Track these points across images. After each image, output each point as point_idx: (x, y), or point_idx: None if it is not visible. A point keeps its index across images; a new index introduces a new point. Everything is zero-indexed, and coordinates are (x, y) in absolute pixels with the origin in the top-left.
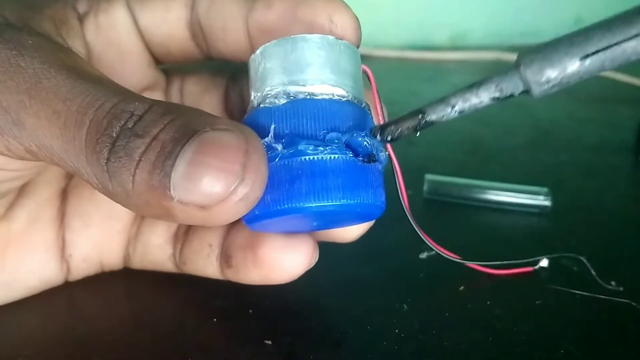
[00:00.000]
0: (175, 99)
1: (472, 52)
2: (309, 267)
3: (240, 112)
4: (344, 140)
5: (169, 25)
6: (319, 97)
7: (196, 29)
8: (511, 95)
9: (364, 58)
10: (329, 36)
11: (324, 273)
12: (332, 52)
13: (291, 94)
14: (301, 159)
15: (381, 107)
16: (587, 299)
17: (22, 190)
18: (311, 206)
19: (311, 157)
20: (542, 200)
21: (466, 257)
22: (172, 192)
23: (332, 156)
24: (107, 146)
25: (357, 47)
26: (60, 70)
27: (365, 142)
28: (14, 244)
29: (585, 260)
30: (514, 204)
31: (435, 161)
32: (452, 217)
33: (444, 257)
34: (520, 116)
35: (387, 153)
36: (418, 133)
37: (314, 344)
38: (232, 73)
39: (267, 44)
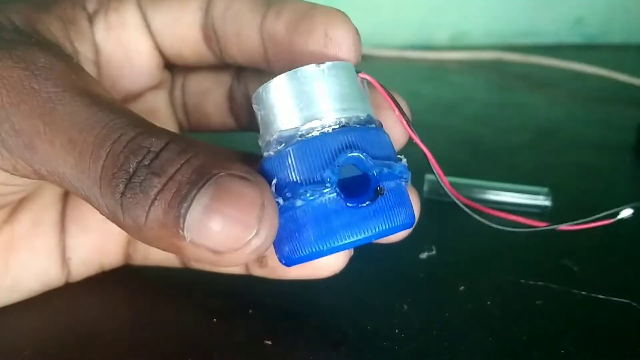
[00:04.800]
0: (178, 98)
1: (472, 51)
2: (347, 262)
3: (247, 113)
4: (338, 177)
5: (183, 28)
6: (309, 135)
7: (210, 33)
8: None
9: (365, 58)
10: (310, 66)
11: None
12: (315, 82)
13: (282, 140)
14: (303, 208)
15: (396, 103)
16: (587, 299)
17: None
18: (324, 249)
19: (311, 203)
20: (542, 200)
21: (465, 256)
22: (185, 232)
23: (332, 196)
24: (123, 181)
25: (355, 63)
26: (75, 96)
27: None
28: (17, 248)
29: None
30: (514, 204)
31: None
32: (452, 217)
33: (445, 256)
34: (520, 116)
35: (403, 167)
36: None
37: (314, 344)
38: (236, 71)
39: (257, 89)
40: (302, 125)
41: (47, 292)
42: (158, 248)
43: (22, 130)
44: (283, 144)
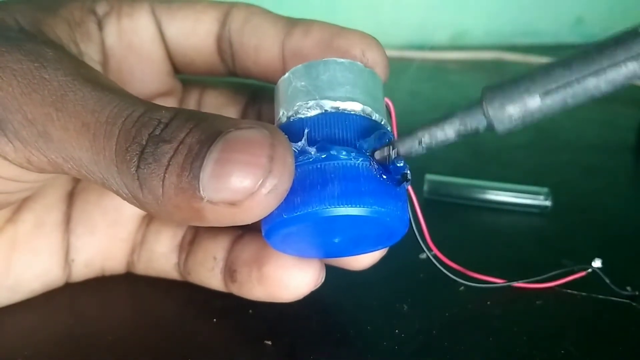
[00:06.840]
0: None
1: (472, 51)
2: (315, 288)
3: None
4: (371, 150)
5: (198, 38)
6: (350, 112)
7: (225, 45)
8: (476, 130)
9: None
10: (358, 62)
11: None
12: (360, 76)
13: (324, 107)
14: (334, 163)
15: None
16: (587, 299)
17: None
18: (341, 210)
19: (344, 162)
20: (542, 201)
21: (465, 256)
22: (201, 192)
23: (365, 163)
24: (136, 154)
25: (384, 83)
26: (85, 83)
27: (399, 163)
28: (19, 248)
29: (599, 271)
30: (514, 204)
31: (435, 161)
32: (452, 217)
33: (445, 256)
34: None
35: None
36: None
37: (314, 344)
38: (253, 91)
39: (296, 66)
40: (342, 102)
41: (48, 292)
42: (182, 221)
43: (35, 119)
44: (323, 110)
